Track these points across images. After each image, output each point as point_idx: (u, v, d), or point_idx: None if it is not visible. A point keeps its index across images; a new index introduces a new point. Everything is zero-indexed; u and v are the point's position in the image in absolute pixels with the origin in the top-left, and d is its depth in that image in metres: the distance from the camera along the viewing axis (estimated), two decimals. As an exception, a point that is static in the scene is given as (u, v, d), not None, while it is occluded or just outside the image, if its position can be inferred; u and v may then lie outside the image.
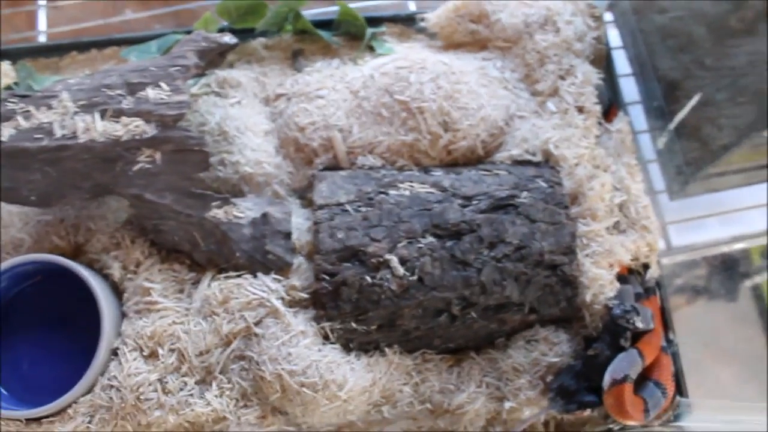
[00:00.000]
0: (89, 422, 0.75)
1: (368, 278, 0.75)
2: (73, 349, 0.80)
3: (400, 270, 0.75)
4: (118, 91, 0.79)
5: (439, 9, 0.95)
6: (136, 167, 0.77)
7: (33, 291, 0.82)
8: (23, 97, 0.80)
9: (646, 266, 0.85)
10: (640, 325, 0.76)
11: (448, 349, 0.80)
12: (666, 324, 0.84)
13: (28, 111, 0.78)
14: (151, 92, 0.79)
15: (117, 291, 0.82)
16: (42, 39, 1.05)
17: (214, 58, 0.85)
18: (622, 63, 1.00)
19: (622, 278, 0.82)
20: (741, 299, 1.14)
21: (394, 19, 0.99)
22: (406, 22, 0.99)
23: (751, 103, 0.82)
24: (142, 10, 1.09)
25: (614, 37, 1.01)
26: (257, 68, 0.93)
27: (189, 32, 0.92)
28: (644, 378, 0.78)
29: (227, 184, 0.85)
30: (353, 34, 0.95)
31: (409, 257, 0.75)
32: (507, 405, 0.77)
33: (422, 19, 0.97)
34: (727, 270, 1.10)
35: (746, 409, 0.79)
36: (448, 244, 0.76)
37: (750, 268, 1.12)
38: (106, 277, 0.82)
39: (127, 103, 0.78)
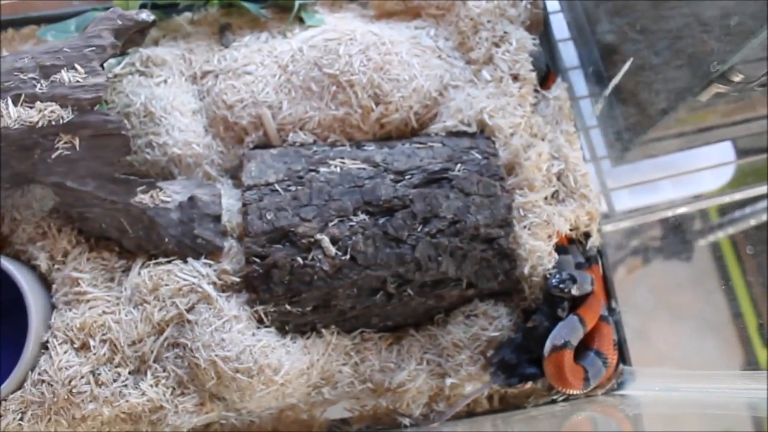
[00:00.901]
0: (21, 419, 0.73)
1: (300, 259, 0.73)
2: (2, 345, 0.78)
3: (332, 250, 0.73)
4: (31, 75, 0.76)
5: (371, -23, 0.92)
6: (55, 154, 0.74)
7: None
8: (-69, 84, 0.76)
9: (587, 235, 0.84)
10: (575, 292, 0.76)
11: (386, 327, 0.79)
12: (608, 293, 0.84)
13: (-63, 99, 0.74)
14: (65, 75, 0.75)
15: (45, 282, 0.79)
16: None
17: (133, 36, 0.81)
18: (560, 27, 0.98)
19: (562, 248, 0.81)
20: (696, 258, 1.15)
21: (325, -11, 0.96)
22: (339, -8, 0.96)
23: (687, 66, 0.81)
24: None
25: (551, 1, 0.99)
26: (183, 45, 0.89)
27: (108, 9, 0.88)
28: (585, 348, 0.78)
29: (156, 166, 0.82)
30: (282, 6, 0.92)
31: (341, 236, 0.74)
32: (449, 381, 0.77)
33: (354, -12, 0.94)
34: (680, 231, 1.10)
35: (690, 376, 0.80)
36: (381, 221, 0.75)
37: (706, 226, 1.13)
38: (33, 269, 0.79)
39: (41, 87, 0.75)
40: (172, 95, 0.84)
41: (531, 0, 0.91)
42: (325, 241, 0.73)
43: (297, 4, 0.89)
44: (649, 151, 0.93)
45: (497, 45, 0.87)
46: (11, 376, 0.72)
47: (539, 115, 0.86)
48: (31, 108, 0.74)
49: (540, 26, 0.93)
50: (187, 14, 0.92)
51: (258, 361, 0.72)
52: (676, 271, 1.07)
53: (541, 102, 0.88)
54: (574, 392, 0.77)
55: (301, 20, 0.90)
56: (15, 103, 0.74)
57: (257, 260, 0.73)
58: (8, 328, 0.77)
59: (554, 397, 0.81)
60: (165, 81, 0.85)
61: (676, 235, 1.03)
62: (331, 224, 0.74)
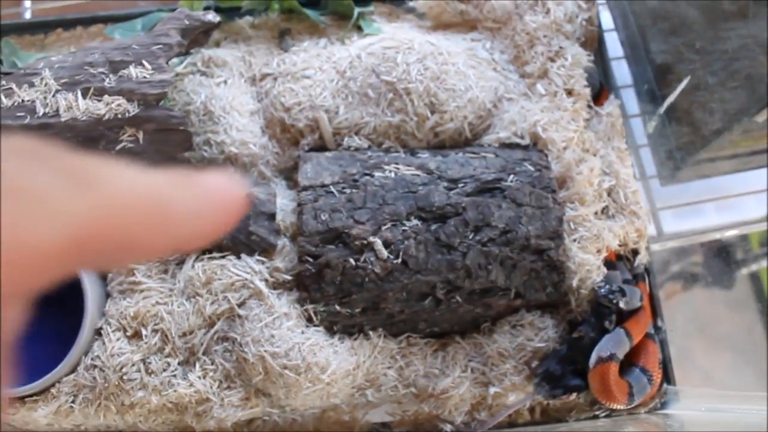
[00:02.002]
0: (72, 402, 0.74)
1: (352, 261, 0.74)
2: (57, 329, 0.79)
3: (384, 253, 0.74)
4: (101, 69, 0.78)
5: (429, -11, 0.94)
6: (119, 146, 0.76)
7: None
8: (5, 74, 0.79)
9: (635, 252, 0.84)
10: (623, 305, 0.76)
11: (433, 333, 0.79)
12: (655, 311, 0.84)
13: (9, 89, 0.77)
14: (133, 71, 0.78)
15: (101, 270, 0.81)
16: (27, 16, 1.04)
17: (198, 36, 0.84)
18: (614, 46, 0.98)
19: (610, 264, 0.81)
20: (737, 287, 1.13)
21: (382, -1, 0.98)
22: (395, 2, 0.98)
23: (743, 87, 0.81)
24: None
25: (606, 18, 1.00)
26: (243, 47, 0.91)
27: (174, 10, 0.90)
28: (631, 364, 0.78)
29: (213, 164, 0.84)
30: (341, 14, 0.94)
31: (394, 240, 0.75)
32: (492, 390, 0.77)
33: (411, -1, 0.96)
34: (722, 257, 1.09)
35: (733, 397, 0.79)
36: (433, 227, 0.76)
37: (748, 255, 1.12)
38: (89, 258, 0.81)
39: (109, 81, 0.77)
40: (231, 96, 0.86)
41: (587, 17, 0.92)
42: (378, 243, 0.74)
43: (356, 12, 0.91)
44: (701, 172, 0.93)
45: (552, 60, 0.87)
46: (66, 359, 0.74)
47: (591, 130, 0.87)
48: (99, 101, 0.76)
49: (594, 43, 0.94)
50: (249, 18, 0.94)
51: (306, 358, 0.73)
52: (726, 293, 1.06)
53: (593, 118, 0.88)
54: (618, 407, 0.76)
55: (359, 28, 0.92)
56: (84, 96, 0.77)
57: (310, 259, 0.74)
58: (65, 314, 0.78)
59: (596, 413, 0.80)
60: (225, 81, 0.87)
61: (726, 257, 1.02)
62: (384, 228, 0.75)
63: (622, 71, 0.97)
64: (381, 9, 0.97)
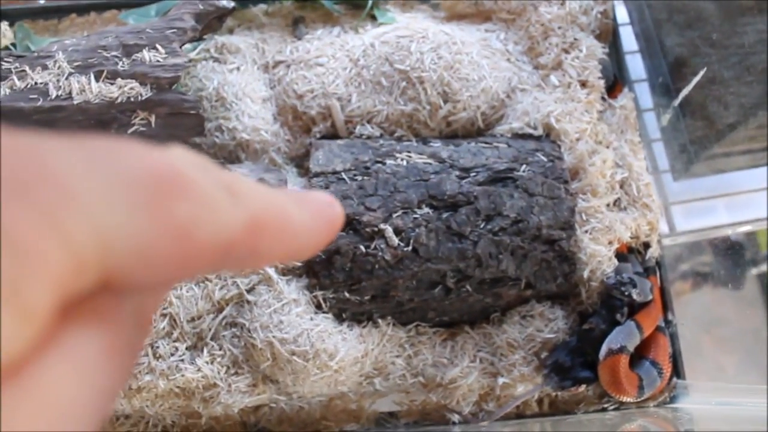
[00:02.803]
0: (79, 385, 0.74)
1: (362, 248, 0.74)
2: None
3: (395, 240, 0.74)
4: (114, 53, 0.78)
5: (443, -21, 0.94)
6: (131, 130, 0.77)
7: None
8: (18, 57, 0.79)
9: (646, 245, 0.84)
10: (635, 297, 0.75)
11: (442, 322, 0.79)
12: (665, 305, 0.83)
13: (23, 71, 0.77)
14: (146, 54, 0.78)
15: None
16: (41, 1, 1.04)
17: (212, 22, 0.84)
18: (628, 39, 0.98)
19: (621, 256, 0.81)
20: (747, 286, 1.12)
21: (397, -12, 0.97)
22: (410, -8, 0.97)
23: (759, 81, 0.80)
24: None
25: (621, 12, 0.99)
26: (257, 34, 0.91)
27: (189, -4, 0.90)
28: (641, 357, 0.77)
29: (224, 150, 0.84)
30: (355, 3, 0.93)
31: (404, 228, 0.74)
32: (500, 381, 0.77)
33: (426, -11, 0.96)
34: (733, 255, 1.08)
35: (743, 391, 0.78)
36: (444, 215, 0.75)
37: (758, 255, 1.10)
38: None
39: (122, 65, 0.77)
40: (244, 82, 0.86)
41: (602, 9, 0.92)
42: (389, 231, 0.74)
43: (370, 1, 0.91)
44: (715, 167, 0.92)
45: (567, 51, 0.87)
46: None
47: (605, 123, 0.86)
48: (111, 84, 0.77)
49: (609, 36, 0.93)
50: (262, 5, 0.94)
51: (315, 345, 0.72)
52: (736, 292, 1.05)
53: (607, 111, 0.88)
54: (627, 399, 0.76)
55: (373, 17, 0.92)
56: (97, 79, 0.77)
57: (320, 245, 0.74)
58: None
59: (605, 405, 0.80)
60: (238, 68, 0.87)
61: (737, 256, 1.01)
62: (395, 215, 0.74)
63: (636, 65, 0.97)
64: (395, -2, 0.96)
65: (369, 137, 0.83)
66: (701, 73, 0.82)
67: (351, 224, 0.74)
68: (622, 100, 0.88)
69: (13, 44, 0.91)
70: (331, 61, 0.86)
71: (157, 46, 0.78)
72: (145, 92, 0.76)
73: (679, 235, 0.92)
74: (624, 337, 0.74)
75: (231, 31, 0.92)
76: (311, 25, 0.93)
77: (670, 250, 0.88)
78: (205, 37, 0.89)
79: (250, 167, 0.81)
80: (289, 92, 0.85)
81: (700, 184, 0.94)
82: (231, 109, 0.84)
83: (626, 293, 0.75)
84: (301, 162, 0.85)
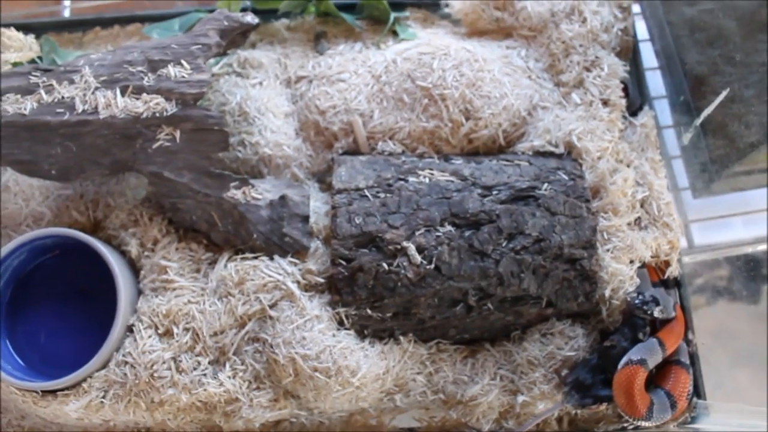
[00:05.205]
0: (103, 397, 0.75)
1: (385, 265, 0.74)
2: (89, 324, 0.80)
3: (418, 258, 0.74)
4: (140, 68, 0.79)
5: (464, -5, 0.94)
6: (156, 145, 0.77)
7: (52, 264, 0.82)
8: (46, 71, 0.80)
9: (666, 264, 0.84)
10: (658, 315, 0.75)
11: (463, 339, 0.79)
12: (686, 324, 0.83)
13: (50, 85, 0.78)
14: (172, 70, 0.78)
15: (134, 268, 0.82)
16: (66, 14, 1.05)
17: (235, 37, 0.84)
18: (647, 56, 0.98)
19: (641, 273, 0.81)
20: (763, 301, 1.12)
21: (417, 5, 0.98)
22: (430, 8, 0.98)
23: (781, 100, 0.80)
24: (164, -13, 1.09)
25: (641, 29, 0.99)
26: (279, 49, 0.92)
27: (212, 11, 0.91)
28: (657, 386, 0.77)
29: (246, 164, 0.85)
30: (376, 18, 0.94)
31: (427, 245, 0.75)
32: (520, 398, 0.77)
33: (446, 5, 0.96)
34: (750, 271, 1.08)
35: (764, 414, 0.78)
36: (467, 233, 0.75)
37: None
38: (123, 254, 0.82)
39: (148, 80, 0.78)
40: (266, 97, 0.87)
41: (622, 27, 0.92)
42: (412, 249, 0.74)
43: (392, 17, 0.92)
44: (735, 185, 0.92)
45: (588, 69, 0.87)
46: (98, 354, 0.75)
47: (625, 141, 0.86)
48: (137, 99, 0.77)
49: (629, 53, 0.94)
50: (285, 20, 0.95)
51: (337, 361, 0.73)
52: (753, 308, 1.05)
53: (627, 128, 0.88)
54: (633, 417, 0.74)
55: (394, 33, 0.92)
56: (123, 94, 0.77)
57: (343, 263, 0.75)
58: (98, 309, 0.79)
59: (624, 425, 0.80)
60: (260, 83, 0.88)
61: (755, 272, 1.01)
62: (417, 233, 0.75)
63: (655, 82, 0.97)
64: (416, 14, 0.97)
65: (391, 154, 0.83)
66: (724, 93, 0.83)
67: (374, 241, 0.75)
68: (642, 118, 0.88)
69: (39, 57, 0.92)
70: (354, 77, 0.87)
71: (182, 61, 0.79)
72: (171, 108, 0.77)
73: (697, 252, 0.92)
74: (645, 351, 0.74)
75: (253, 46, 0.93)
76: (333, 40, 0.93)
77: (689, 267, 0.88)
78: (227, 51, 0.90)
79: (272, 182, 0.82)
80: (312, 108, 0.86)
81: (720, 201, 0.94)
82: (254, 124, 0.85)
83: (649, 311, 0.75)
84: (322, 177, 0.86)
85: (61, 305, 0.82)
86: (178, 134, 0.77)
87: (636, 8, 0.99)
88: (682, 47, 0.94)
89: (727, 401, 0.82)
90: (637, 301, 0.76)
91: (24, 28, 0.94)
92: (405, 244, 0.74)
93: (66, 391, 0.76)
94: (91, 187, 0.86)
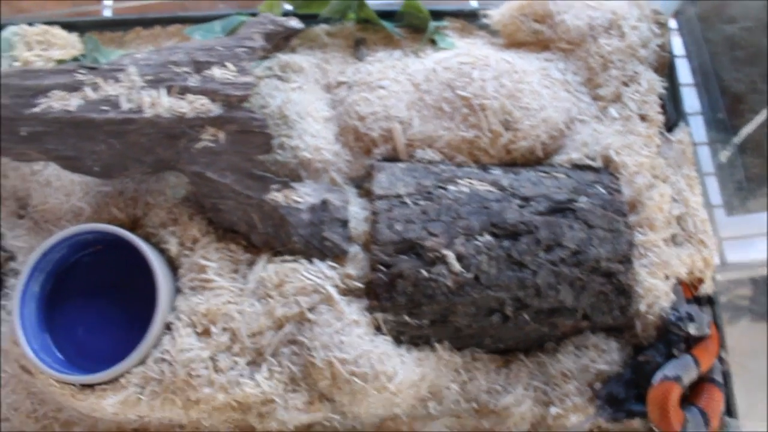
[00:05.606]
0: (140, 393, 0.76)
1: (424, 272, 0.75)
2: (126, 320, 0.81)
3: (457, 266, 0.75)
4: (185, 69, 0.80)
5: (503, 7, 0.95)
6: (200, 145, 0.78)
7: (91, 259, 0.83)
8: (91, 69, 0.81)
9: (699, 281, 0.84)
10: (693, 332, 0.76)
11: (497, 349, 0.80)
12: (719, 341, 0.83)
13: (96, 83, 0.79)
14: (217, 71, 0.79)
15: (172, 266, 0.83)
16: (107, 13, 1.06)
17: (279, 41, 0.85)
18: (683, 72, 0.98)
19: (677, 290, 0.81)
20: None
21: (456, 14, 0.99)
22: (469, 18, 0.99)
23: (820, 122, 0.81)
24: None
25: (677, 45, 1.00)
26: (319, 54, 0.93)
27: (253, 14, 0.92)
28: (691, 404, 0.77)
29: (285, 167, 0.85)
30: (415, 27, 0.95)
31: (466, 254, 0.75)
32: (553, 410, 0.77)
33: (485, 16, 0.97)
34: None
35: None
36: (505, 243, 0.76)
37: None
38: (162, 252, 0.83)
39: (193, 80, 0.79)
40: (306, 101, 0.87)
41: (659, 43, 0.92)
42: (451, 257, 0.75)
43: (432, 26, 0.92)
44: (769, 203, 0.92)
45: (626, 84, 0.88)
46: (137, 349, 0.75)
47: (662, 157, 0.87)
48: (182, 99, 0.78)
49: (665, 69, 0.94)
50: (325, 26, 0.96)
51: (374, 366, 0.73)
52: (761, 331, 1.05)
53: (663, 144, 0.88)
54: None
55: (433, 42, 0.93)
56: (168, 93, 0.78)
57: (383, 268, 0.75)
58: (136, 305, 0.80)
59: (655, 440, 0.80)
60: (300, 87, 0.89)
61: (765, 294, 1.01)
62: (457, 241, 0.76)
63: (691, 98, 0.97)
64: (454, 24, 0.98)
65: (430, 162, 0.84)
66: (765, 113, 0.83)
67: (414, 248, 0.75)
68: (679, 135, 0.89)
69: (82, 55, 0.93)
70: (393, 84, 0.87)
71: (227, 63, 0.80)
72: (215, 109, 0.78)
73: (730, 269, 0.92)
74: (680, 368, 0.74)
75: (294, 50, 0.94)
76: (372, 47, 0.94)
77: (721, 285, 0.89)
78: (268, 55, 0.91)
79: (313, 186, 0.83)
80: (351, 113, 0.87)
81: (753, 219, 0.94)
82: (293, 128, 0.85)
83: (684, 328, 0.75)
84: (360, 182, 0.86)
85: (98, 300, 0.82)
86: (222, 135, 0.78)
87: (673, 24, 1.00)
88: (719, 65, 0.94)
89: (759, 421, 0.82)
90: (672, 318, 0.76)
91: (67, 26, 0.95)
92: (445, 251, 0.75)
93: (104, 386, 0.77)
94: (131, 185, 0.86)
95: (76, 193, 0.86)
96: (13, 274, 0.86)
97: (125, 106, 0.78)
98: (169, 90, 0.78)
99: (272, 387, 0.76)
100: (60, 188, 0.87)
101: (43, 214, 0.87)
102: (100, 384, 0.76)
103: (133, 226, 0.85)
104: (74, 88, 0.79)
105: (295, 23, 0.84)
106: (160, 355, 0.76)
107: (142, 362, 0.77)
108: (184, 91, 0.79)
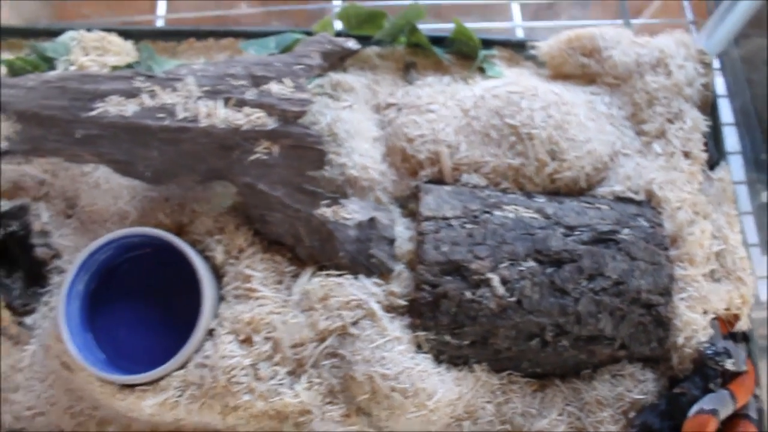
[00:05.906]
0: (179, 396, 0.77)
1: (468, 294, 0.76)
2: (167, 323, 0.82)
3: (501, 290, 0.76)
4: (242, 82, 0.82)
5: (551, 39, 0.97)
6: (253, 157, 0.80)
7: (136, 262, 0.84)
8: (149, 77, 0.83)
9: (735, 317, 0.85)
10: (730, 367, 0.76)
11: (534, 373, 0.81)
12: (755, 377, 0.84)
13: (153, 90, 0.81)
14: (274, 87, 0.81)
15: (216, 274, 0.84)
16: (159, 23, 1.09)
17: (334, 61, 0.88)
18: (725, 111, 1.00)
19: (713, 324, 0.82)
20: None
21: (504, 44, 1.01)
22: (516, 48, 1.01)
23: None
24: (257, 5, 1.12)
25: (719, 84, 1.01)
26: (370, 75, 0.95)
27: (308, 33, 0.95)
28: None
29: (332, 184, 0.87)
30: (465, 54, 0.97)
31: (510, 278, 0.76)
32: (586, 437, 0.78)
33: (533, 47, 0.99)
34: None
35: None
36: (549, 270, 0.77)
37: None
38: (207, 259, 0.84)
39: (250, 94, 0.81)
40: (355, 120, 0.89)
41: (704, 81, 0.94)
42: (496, 280, 0.76)
43: (481, 54, 0.94)
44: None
45: (671, 121, 0.90)
46: (180, 353, 0.77)
47: (703, 194, 0.88)
48: (238, 111, 0.80)
49: (708, 108, 0.96)
50: (376, 48, 0.98)
51: (415, 383, 0.74)
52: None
53: (705, 182, 0.90)
54: None
55: (481, 70, 0.95)
56: (225, 105, 0.80)
57: (428, 288, 0.76)
58: (176, 310, 0.81)
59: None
60: (351, 106, 0.91)
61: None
62: (502, 265, 0.77)
63: (731, 137, 0.99)
64: (502, 53, 1.00)
65: (475, 186, 0.85)
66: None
67: (459, 270, 0.77)
68: (720, 173, 0.90)
69: (137, 62, 0.95)
70: (442, 108, 0.89)
71: (284, 80, 0.82)
72: (271, 123, 0.80)
73: (763, 308, 0.92)
74: (718, 402, 0.75)
75: (345, 70, 0.96)
76: (422, 71, 0.96)
77: (757, 323, 0.89)
78: (321, 74, 0.93)
79: (360, 204, 0.84)
80: (400, 135, 0.88)
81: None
82: (342, 146, 0.87)
83: (721, 363, 0.76)
84: (404, 203, 0.88)
85: (140, 302, 0.84)
86: (276, 149, 0.80)
87: (716, 63, 1.02)
88: (761, 105, 0.96)
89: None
90: (710, 352, 0.77)
91: (122, 33, 0.98)
92: (489, 275, 0.76)
93: (144, 387, 0.78)
94: (177, 192, 0.88)
95: (124, 197, 0.88)
96: (57, 271, 0.87)
97: (181, 114, 0.80)
98: (226, 102, 0.80)
99: (311, 398, 0.77)
100: (108, 191, 0.89)
101: (90, 215, 0.89)
102: (140, 385, 0.78)
103: (179, 232, 0.86)
104: (131, 94, 0.81)
105: (352, 44, 0.86)
106: (201, 361, 0.78)
107: (183, 366, 0.78)
108: (240, 103, 0.80)
